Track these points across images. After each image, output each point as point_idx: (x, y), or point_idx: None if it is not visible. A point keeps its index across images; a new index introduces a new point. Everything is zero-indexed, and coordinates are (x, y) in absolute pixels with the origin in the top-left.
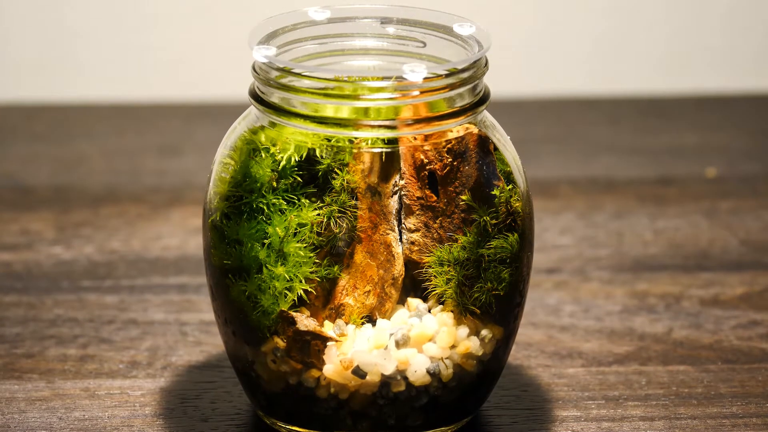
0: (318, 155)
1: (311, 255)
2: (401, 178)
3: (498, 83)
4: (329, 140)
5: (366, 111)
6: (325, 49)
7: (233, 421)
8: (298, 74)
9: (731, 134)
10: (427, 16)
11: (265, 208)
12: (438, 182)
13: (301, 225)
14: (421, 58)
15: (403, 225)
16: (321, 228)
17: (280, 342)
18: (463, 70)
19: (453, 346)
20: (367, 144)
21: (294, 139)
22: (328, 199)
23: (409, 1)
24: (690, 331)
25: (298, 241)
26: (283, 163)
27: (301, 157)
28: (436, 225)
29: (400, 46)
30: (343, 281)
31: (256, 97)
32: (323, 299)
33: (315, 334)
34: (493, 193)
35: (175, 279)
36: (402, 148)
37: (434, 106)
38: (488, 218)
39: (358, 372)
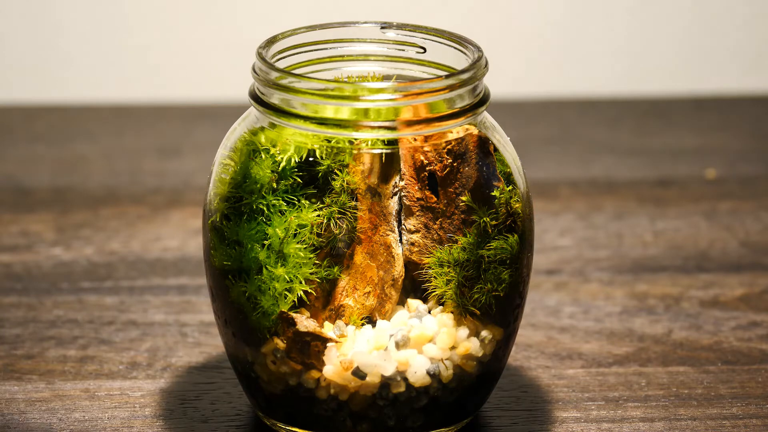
0: (318, 156)
1: (311, 256)
2: (401, 179)
3: (498, 84)
4: (329, 141)
5: (366, 112)
6: (325, 55)
7: (233, 422)
8: (298, 75)
9: (731, 135)
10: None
11: (265, 209)
12: (438, 183)
13: (301, 226)
14: (422, 64)
15: (403, 226)
16: (321, 229)
17: (280, 343)
18: (463, 71)
19: (453, 347)
20: (367, 145)
21: (294, 140)
22: (328, 200)
23: (413, 5)
24: (690, 332)
25: (298, 242)
26: (283, 164)
27: (301, 158)
28: (436, 226)
29: (400, 52)
30: (343, 282)
31: (256, 98)
32: (323, 300)
33: (315, 335)
34: (493, 194)
35: (174, 280)
36: (402, 149)
37: (434, 107)
38: (488, 219)
39: (358, 373)
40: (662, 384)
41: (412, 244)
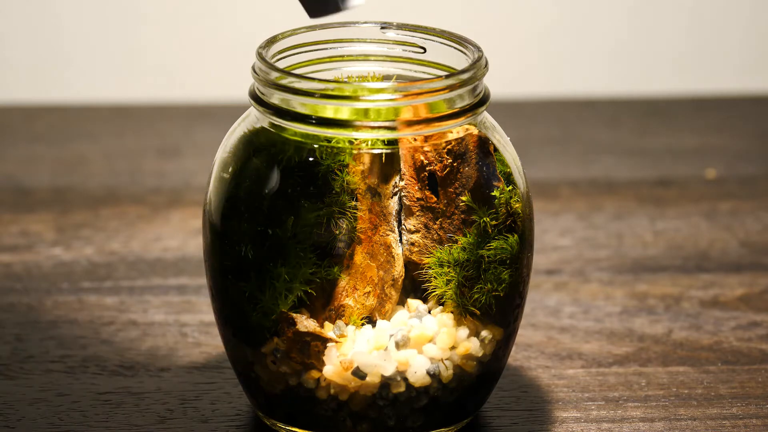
0: (318, 156)
1: (311, 256)
2: (401, 179)
3: (498, 84)
4: (329, 141)
5: (366, 112)
6: (325, 55)
7: (233, 422)
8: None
9: (731, 135)
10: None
11: (265, 209)
12: (438, 183)
13: (300, 226)
14: (422, 64)
15: (403, 226)
16: (321, 229)
17: (280, 343)
18: (463, 71)
19: (453, 347)
20: (366, 145)
21: (294, 140)
22: (328, 201)
23: (413, 5)
24: (690, 332)
25: (298, 242)
26: (282, 164)
27: (301, 158)
28: (436, 226)
29: (401, 52)
30: (343, 282)
31: (256, 98)
32: (323, 300)
33: (315, 335)
34: (493, 194)
35: (174, 280)
36: (402, 149)
37: (434, 107)
38: (488, 219)
39: (358, 373)
40: (662, 384)
41: (412, 244)
